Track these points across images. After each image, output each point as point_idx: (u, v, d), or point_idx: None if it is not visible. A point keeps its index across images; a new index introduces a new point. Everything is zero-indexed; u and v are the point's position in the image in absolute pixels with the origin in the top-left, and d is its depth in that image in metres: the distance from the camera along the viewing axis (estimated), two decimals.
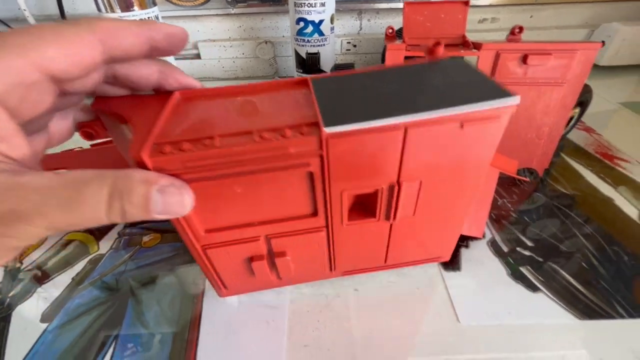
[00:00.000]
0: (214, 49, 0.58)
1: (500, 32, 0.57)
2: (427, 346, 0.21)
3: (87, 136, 0.18)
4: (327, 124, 0.14)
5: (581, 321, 0.22)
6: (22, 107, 0.13)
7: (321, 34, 0.44)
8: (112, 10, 0.38)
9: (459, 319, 0.22)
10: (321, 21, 0.43)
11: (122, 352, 0.21)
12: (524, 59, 0.28)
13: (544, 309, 0.23)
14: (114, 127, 0.17)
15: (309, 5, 0.41)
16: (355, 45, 0.58)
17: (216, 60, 0.59)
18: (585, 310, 0.23)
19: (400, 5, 0.54)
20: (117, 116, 0.16)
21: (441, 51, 0.19)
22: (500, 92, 0.15)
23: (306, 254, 0.21)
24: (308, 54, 0.45)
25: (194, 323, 0.23)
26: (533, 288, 0.24)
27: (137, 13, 0.39)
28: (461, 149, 0.16)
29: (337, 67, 0.51)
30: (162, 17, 0.55)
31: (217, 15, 0.56)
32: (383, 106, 0.15)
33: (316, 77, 0.18)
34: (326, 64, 0.47)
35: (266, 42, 0.56)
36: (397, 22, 0.57)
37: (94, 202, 0.13)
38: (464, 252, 0.27)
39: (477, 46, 0.29)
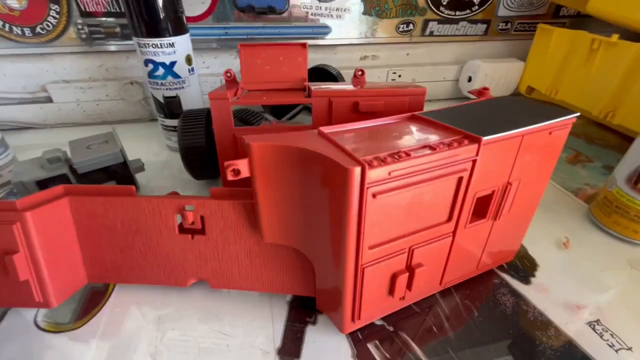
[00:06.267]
0: (68, 90, 0.50)
1: (381, 69, 0.59)
2: None
3: (235, 174, 0.19)
4: (484, 135, 0.18)
5: None
6: None
7: (176, 76, 0.39)
8: None
9: None
10: (173, 63, 0.38)
11: None
12: (356, 105, 0.26)
13: None
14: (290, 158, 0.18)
15: (153, 46, 0.36)
16: None
17: (74, 104, 0.51)
18: None
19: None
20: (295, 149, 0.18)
21: (489, 94, 0.26)
22: (563, 112, 0.21)
23: (432, 264, 0.22)
24: (165, 97, 0.40)
25: None
26: None
27: None
28: (544, 152, 0.22)
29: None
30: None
31: (71, 53, 0.49)
32: (503, 124, 0.20)
33: (423, 113, 0.23)
34: (191, 107, 0.42)
35: (132, 83, 0.50)
36: None
37: None
38: (309, 330, 0.23)
39: (311, 93, 0.27)
